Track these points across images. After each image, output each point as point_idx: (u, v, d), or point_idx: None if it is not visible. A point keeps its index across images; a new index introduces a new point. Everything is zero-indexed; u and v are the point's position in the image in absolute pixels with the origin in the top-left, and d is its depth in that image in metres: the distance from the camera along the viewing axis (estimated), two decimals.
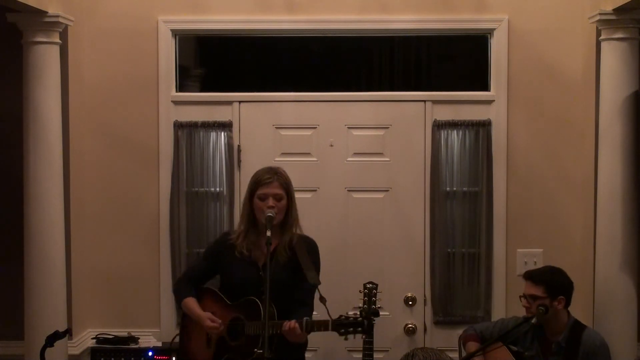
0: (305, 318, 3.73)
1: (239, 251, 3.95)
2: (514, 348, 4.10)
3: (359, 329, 3.62)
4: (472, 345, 4.20)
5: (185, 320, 4.12)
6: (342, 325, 3.63)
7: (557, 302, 4.05)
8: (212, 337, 3.98)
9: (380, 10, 4.93)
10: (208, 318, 3.92)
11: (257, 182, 3.94)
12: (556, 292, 4.05)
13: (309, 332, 3.76)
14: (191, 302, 4.02)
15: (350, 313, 3.81)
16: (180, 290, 4.10)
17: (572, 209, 4.95)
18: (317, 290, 3.74)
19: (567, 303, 4.10)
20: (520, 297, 4.16)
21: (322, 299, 3.69)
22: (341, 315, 3.66)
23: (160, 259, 5.02)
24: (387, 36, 5.07)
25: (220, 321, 3.90)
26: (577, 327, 4.10)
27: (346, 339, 3.64)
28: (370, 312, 3.69)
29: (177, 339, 4.19)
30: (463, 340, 4.30)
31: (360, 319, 3.63)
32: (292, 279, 3.91)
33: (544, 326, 4.11)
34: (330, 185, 5.01)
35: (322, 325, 3.70)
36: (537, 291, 4.05)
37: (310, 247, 4.01)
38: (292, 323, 3.71)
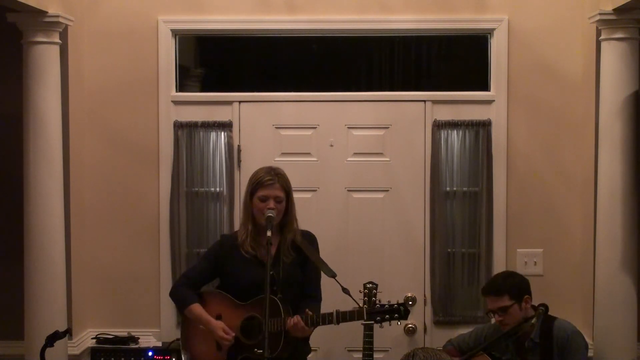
0: (307, 310, 3.75)
1: (245, 251, 3.94)
2: (497, 355, 4.12)
3: (396, 315, 3.61)
4: None
5: (187, 323, 4.03)
6: (378, 313, 3.62)
7: (524, 303, 4.07)
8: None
9: (380, 10, 4.93)
10: (222, 329, 3.86)
11: (258, 183, 3.92)
12: (520, 293, 4.07)
13: (315, 326, 3.77)
14: (198, 309, 3.93)
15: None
16: (183, 295, 4.00)
17: (572, 209, 4.95)
18: (337, 282, 3.75)
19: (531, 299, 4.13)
20: (487, 314, 4.19)
21: (345, 290, 3.70)
22: (375, 303, 3.64)
23: (160, 259, 5.01)
24: (387, 36, 5.07)
25: (233, 334, 3.86)
26: (547, 320, 4.09)
27: (381, 326, 3.64)
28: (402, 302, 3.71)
29: (174, 342, 4.15)
30: None
31: (395, 305, 3.61)
32: (300, 275, 3.93)
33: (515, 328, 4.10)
34: (330, 185, 5.01)
35: (355, 315, 3.70)
36: (503, 302, 4.05)
37: (312, 240, 4.05)
38: (296, 319, 3.73)
